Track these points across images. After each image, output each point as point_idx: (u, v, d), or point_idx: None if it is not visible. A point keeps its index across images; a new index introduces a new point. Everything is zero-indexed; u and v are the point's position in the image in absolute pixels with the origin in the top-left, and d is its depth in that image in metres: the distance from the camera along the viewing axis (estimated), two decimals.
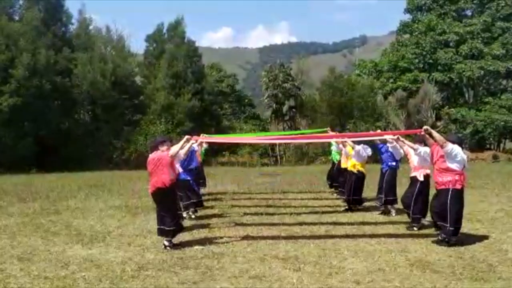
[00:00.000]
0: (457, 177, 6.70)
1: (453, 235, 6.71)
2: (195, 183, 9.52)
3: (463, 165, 6.75)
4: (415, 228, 7.87)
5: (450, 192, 6.69)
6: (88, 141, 28.31)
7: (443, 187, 6.76)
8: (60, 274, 5.56)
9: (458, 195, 6.75)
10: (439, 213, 6.85)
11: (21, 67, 24.48)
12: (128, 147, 28.50)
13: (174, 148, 7.06)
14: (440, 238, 6.85)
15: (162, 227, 6.78)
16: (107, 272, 5.61)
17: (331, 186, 13.12)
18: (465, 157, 6.81)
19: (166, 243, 6.73)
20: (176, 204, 7.33)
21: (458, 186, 6.73)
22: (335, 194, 12.39)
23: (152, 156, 6.85)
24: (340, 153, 11.77)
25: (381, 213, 9.49)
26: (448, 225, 6.68)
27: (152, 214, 9.41)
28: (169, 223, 6.72)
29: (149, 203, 10.60)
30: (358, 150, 9.70)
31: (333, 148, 12.64)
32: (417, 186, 7.84)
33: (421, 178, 7.88)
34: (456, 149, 6.64)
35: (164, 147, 6.94)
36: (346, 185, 10.27)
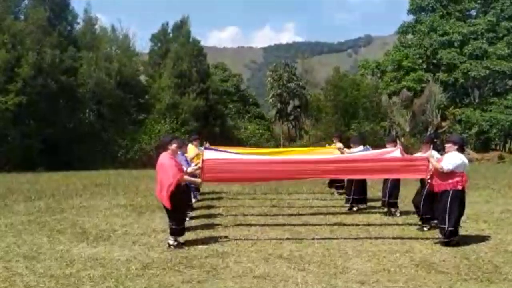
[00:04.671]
0: (457, 179, 6.69)
1: (451, 235, 6.70)
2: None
3: (464, 169, 6.75)
4: (425, 229, 7.84)
5: (450, 193, 6.68)
6: (94, 140, 28.36)
7: (443, 188, 6.75)
8: (65, 272, 5.57)
9: (459, 196, 6.74)
10: (439, 215, 6.86)
11: (26, 66, 24.63)
12: (133, 146, 28.57)
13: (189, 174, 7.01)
14: (441, 239, 6.83)
15: (173, 226, 6.77)
16: (112, 270, 5.62)
17: (330, 186, 13.13)
18: (466, 161, 6.81)
19: (171, 242, 6.73)
20: (184, 205, 7.31)
21: (459, 187, 6.72)
22: (336, 194, 12.42)
23: (161, 160, 6.72)
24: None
25: (385, 214, 9.46)
26: (447, 226, 6.67)
27: (157, 213, 9.46)
28: (177, 223, 6.74)
29: (154, 202, 10.64)
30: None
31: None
32: (427, 187, 7.81)
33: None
34: (454, 163, 6.66)
35: (173, 146, 6.80)
36: (347, 184, 10.40)
